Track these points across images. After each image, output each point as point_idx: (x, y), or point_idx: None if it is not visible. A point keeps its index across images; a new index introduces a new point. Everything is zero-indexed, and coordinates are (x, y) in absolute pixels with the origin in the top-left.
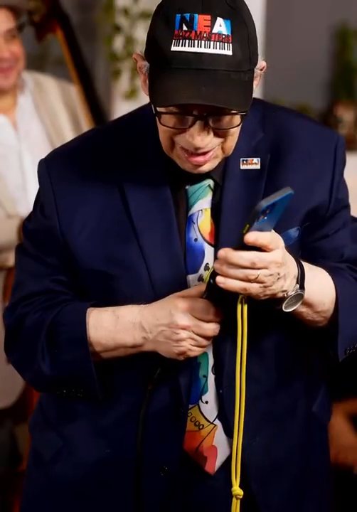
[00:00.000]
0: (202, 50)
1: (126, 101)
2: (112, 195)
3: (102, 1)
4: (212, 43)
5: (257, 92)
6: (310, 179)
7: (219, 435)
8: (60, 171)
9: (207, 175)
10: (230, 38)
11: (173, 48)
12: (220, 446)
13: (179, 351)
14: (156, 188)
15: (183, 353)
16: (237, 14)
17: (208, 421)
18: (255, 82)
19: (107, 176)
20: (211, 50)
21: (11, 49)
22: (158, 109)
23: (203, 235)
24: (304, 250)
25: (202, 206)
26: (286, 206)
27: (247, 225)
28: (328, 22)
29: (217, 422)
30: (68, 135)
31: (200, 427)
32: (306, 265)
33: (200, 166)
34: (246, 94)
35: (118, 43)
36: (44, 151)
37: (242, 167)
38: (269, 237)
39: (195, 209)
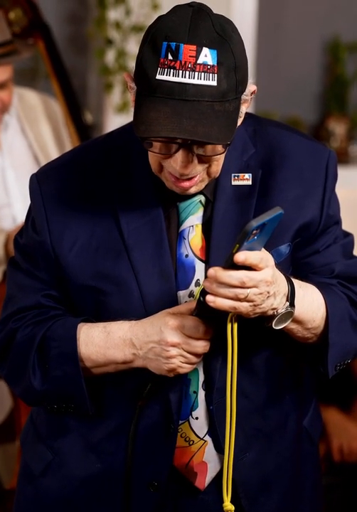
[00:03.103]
0: (186, 80)
1: (118, 114)
2: (102, 211)
3: (94, 15)
4: (196, 73)
5: None
6: (301, 195)
7: (209, 451)
8: (51, 187)
9: None
10: (216, 69)
11: (158, 77)
12: (210, 461)
13: (169, 368)
14: (147, 203)
15: (173, 370)
16: (224, 43)
17: (198, 437)
18: (245, 105)
19: (98, 191)
20: (195, 81)
21: (1, 97)
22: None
23: (194, 250)
24: (294, 266)
25: (193, 222)
26: (276, 225)
27: (237, 245)
28: (320, 35)
29: (208, 438)
30: (52, 149)
31: (191, 442)
32: (296, 282)
33: (187, 189)
34: (229, 125)
35: (110, 56)
36: (28, 167)
37: (234, 183)
38: (259, 257)
39: (186, 225)
